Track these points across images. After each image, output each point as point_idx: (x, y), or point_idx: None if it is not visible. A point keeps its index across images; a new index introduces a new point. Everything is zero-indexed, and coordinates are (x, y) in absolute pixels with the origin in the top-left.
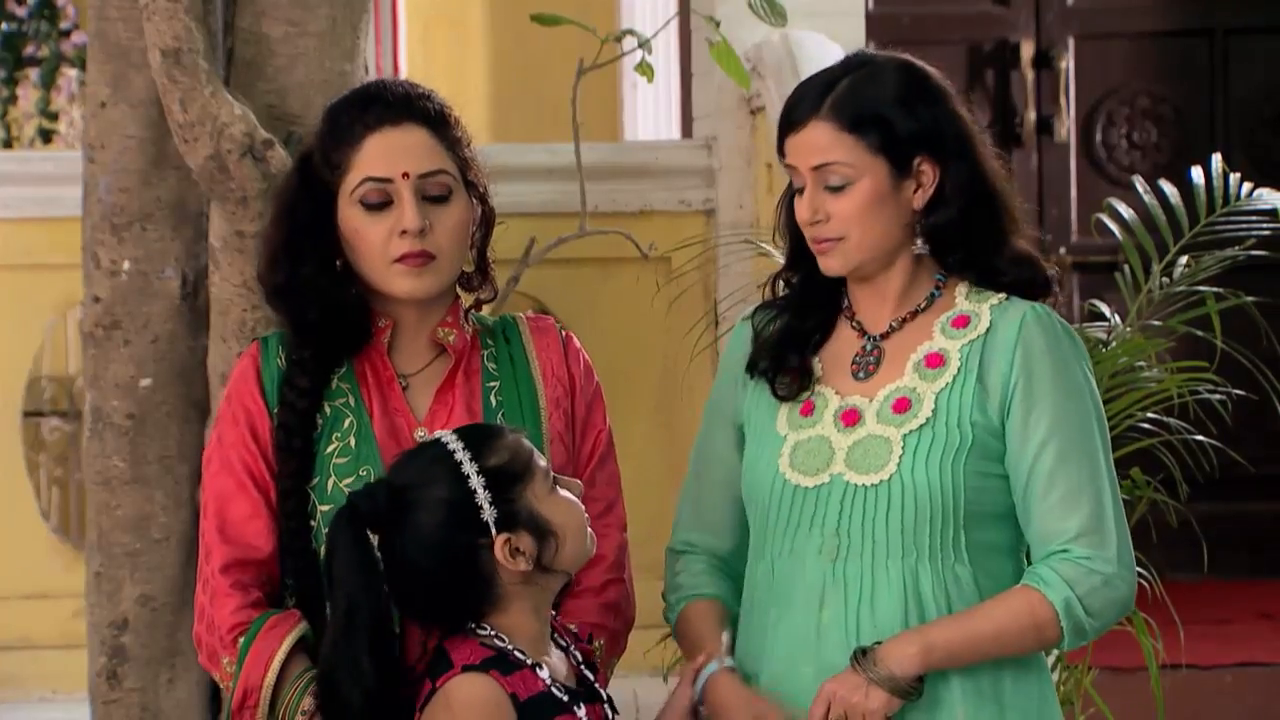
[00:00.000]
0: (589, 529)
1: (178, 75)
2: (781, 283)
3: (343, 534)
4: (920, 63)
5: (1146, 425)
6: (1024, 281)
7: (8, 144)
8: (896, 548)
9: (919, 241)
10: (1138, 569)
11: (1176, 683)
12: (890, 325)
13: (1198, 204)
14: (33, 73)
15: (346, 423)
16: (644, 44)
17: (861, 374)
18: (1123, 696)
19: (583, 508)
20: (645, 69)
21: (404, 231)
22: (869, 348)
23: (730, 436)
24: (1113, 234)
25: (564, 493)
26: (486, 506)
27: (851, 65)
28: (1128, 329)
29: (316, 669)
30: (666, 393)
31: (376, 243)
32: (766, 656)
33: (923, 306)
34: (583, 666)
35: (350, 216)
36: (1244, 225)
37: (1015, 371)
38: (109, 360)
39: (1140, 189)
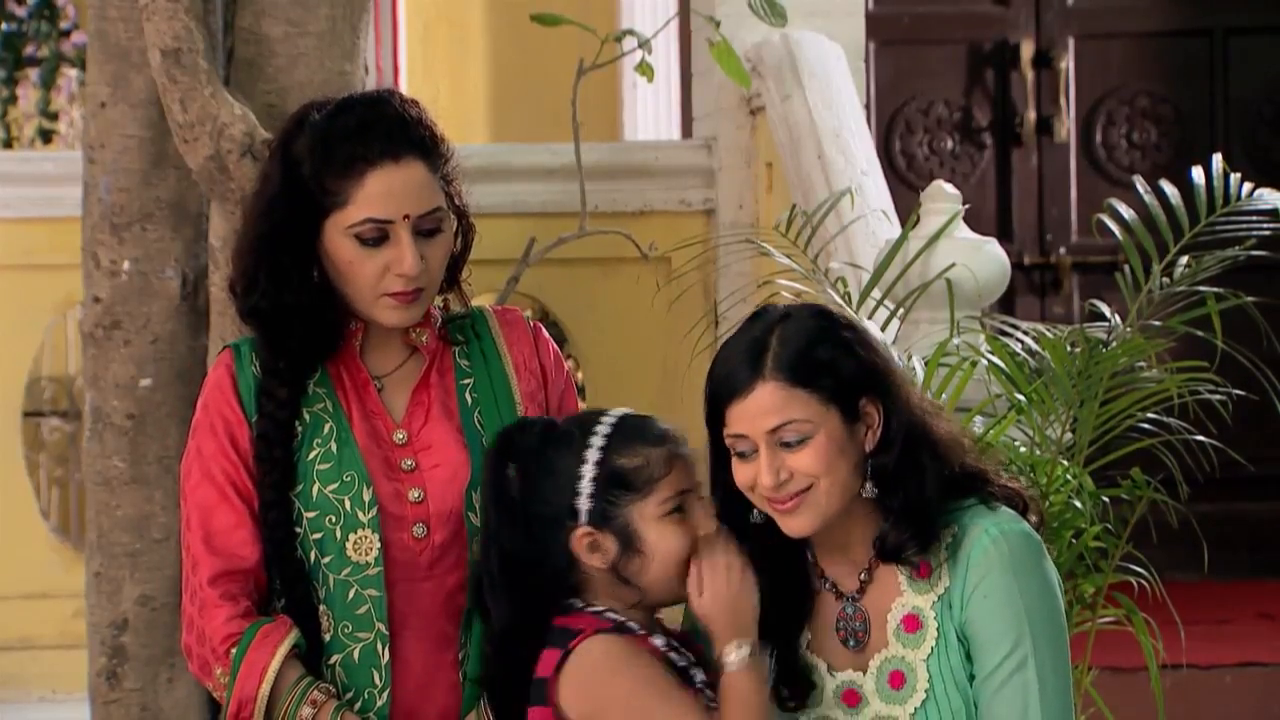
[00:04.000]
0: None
1: (178, 75)
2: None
3: (489, 462)
4: (828, 306)
5: (1146, 425)
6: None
7: (8, 144)
8: None
9: (868, 485)
10: (1138, 569)
11: (1176, 683)
12: (860, 579)
13: (1198, 204)
14: (33, 73)
15: (326, 428)
16: (644, 44)
17: (852, 642)
18: (1123, 696)
19: (687, 552)
20: (645, 69)
21: (400, 273)
22: (850, 611)
23: None
24: (1113, 234)
25: (679, 528)
26: (584, 496)
27: (771, 321)
28: (1128, 329)
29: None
30: (666, 393)
31: (369, 277)
32: None
33: (877, 551)
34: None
35: (342, 247)
36: (1244, 225)
37: (968, 614)
38: (109, 360)
39: (1140, 189)
